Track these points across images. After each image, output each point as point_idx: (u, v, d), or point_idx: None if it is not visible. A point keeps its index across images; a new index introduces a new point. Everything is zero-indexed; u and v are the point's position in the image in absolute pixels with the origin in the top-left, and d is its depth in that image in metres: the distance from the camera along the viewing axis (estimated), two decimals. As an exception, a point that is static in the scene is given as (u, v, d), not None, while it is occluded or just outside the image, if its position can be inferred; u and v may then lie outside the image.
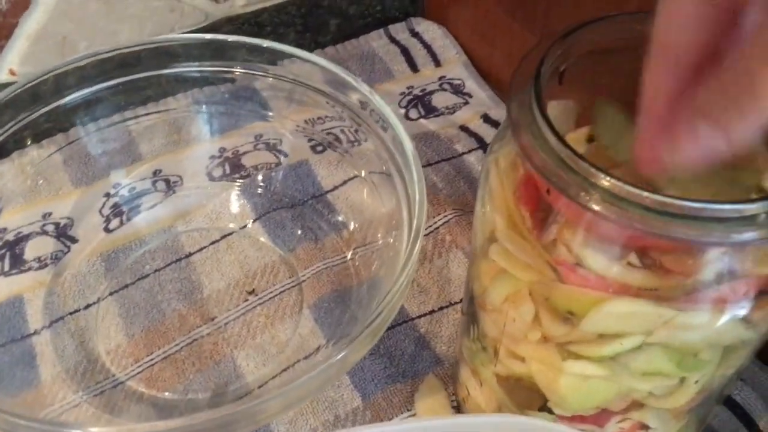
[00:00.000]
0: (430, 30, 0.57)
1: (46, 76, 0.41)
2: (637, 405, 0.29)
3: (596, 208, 0.23)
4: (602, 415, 0.29)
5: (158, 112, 0.47)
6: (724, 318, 0.25)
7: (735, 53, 0.19)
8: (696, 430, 0.32)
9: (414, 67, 0.55)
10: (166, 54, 0.43)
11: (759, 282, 0.24)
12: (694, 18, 0.21)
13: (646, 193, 0.22)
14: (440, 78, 0.54)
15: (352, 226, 0.43)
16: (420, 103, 0.52)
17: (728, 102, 0.19)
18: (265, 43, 0.41)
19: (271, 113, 0.46)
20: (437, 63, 0.55)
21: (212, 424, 0.27)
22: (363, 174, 0.43)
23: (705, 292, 0.24)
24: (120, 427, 0.27)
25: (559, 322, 0.26)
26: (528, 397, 0.31)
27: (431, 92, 0.53)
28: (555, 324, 0.27)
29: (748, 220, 0.22)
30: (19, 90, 0.40)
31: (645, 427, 0.30)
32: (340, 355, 0.29)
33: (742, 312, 0.25)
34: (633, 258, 0.24)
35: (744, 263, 0.24)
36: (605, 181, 0.23)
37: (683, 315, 0.24)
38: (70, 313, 0.40)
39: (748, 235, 0.22)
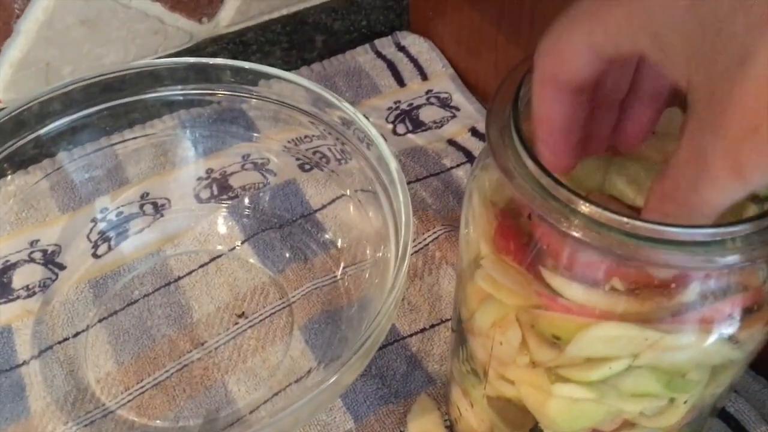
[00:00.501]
0: (416, 43, 0.57)
1: (31, 104, 0.41)
2: (628, 425, 0.29)
3: (577, 234, 0.23)
4: (593, 435, 0.29)
5: (145, 135, 0.47)
6: (711, 338, 0.25)
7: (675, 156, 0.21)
8: (690, 446, 0.32)
9: (401, 82, 0.55)
10: (151, 77, 0.43)
11: (744, 301, 0.24)
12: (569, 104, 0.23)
13: (626, 219, 0.22)
14: (427, 92, 0.54)
15: (340, 245, 0.43)
16: (407, 118, 0.52)
17: (683, 199, 0.21)
18: (247, 65, 0.41)
19: (257, 133, 0.46)
20: (424, 76, 0.55)
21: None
22: (350, 192, 0.43)
23: (690, 313, 0.24)
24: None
25: (546, 347, 0.26)
26: (519, 418, 0.30)
27: (418, 106, 0.53)
28: (542, 349, 0.26)
29: (729, 243, 0.21)
30: (4, 118, 0.40)
31: (637, 446, 0.30)
32: (332, 380, 0.29)
33: (729, 331, 0.25)
34: (616, 282, 0.24)
35: (728, 283, 0.24)
36: (585, 207, 0.22)
37: (669, 337, 0.24)
38: (59, 342, 0.40)
39: (731, 258, 0.22)
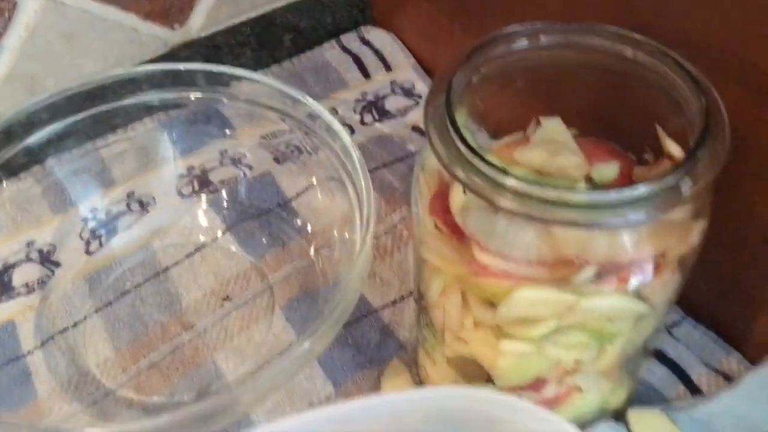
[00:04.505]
0: (379, 37, 0.61)
1: (18, 115, 0.44)
2: (569, 373, 0.33)
3: (504, 204, 0.26)
4: (539, 383, 0.33)
5: (127, 138, 0.50)
6: (620, 297, 0.28)
7: None
8: (629, 386, 0.36)
9: (366, 74, 0.58)
10: (130, 84, 0.46)
11: (647, 260, 0.28)
12: None
13: (546, 189, 0.25)
14: (391, 82, 0.58)
15: (314, 230, 0.47)
16: (374, 108, 0.56)
17: None
18: (217, 68, 0.45)
19: (233, 131, 0.49)
20: (388, 68, 0.59)
21: (195, 417, 0.30)
22: (320, 180, 0.47)
23: (602, 277, 0.28)
24: (112, 428, 0.30)
25: (485, 308, 0.30)
26: (475, 373, 0.34)
27: (384, 97, 0.56)
28: (483, 310, 0.30)
29: (637, 203, 0.25)
30: (-6, 130, 0.43)
31: (579, 389, 0.34)
32: (305, 346, 0.33)
33: (636, 290, 0.28)
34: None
35: (629, 246, 0.27)
36: (510, 181, 0.26)
37: (584, 300, 0.28)
38: (60, 332, 0.43)
39: (638, 215, 0.25)
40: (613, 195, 0.25)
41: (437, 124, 0.28)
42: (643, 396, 0.39)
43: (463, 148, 0.27)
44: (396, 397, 0.27)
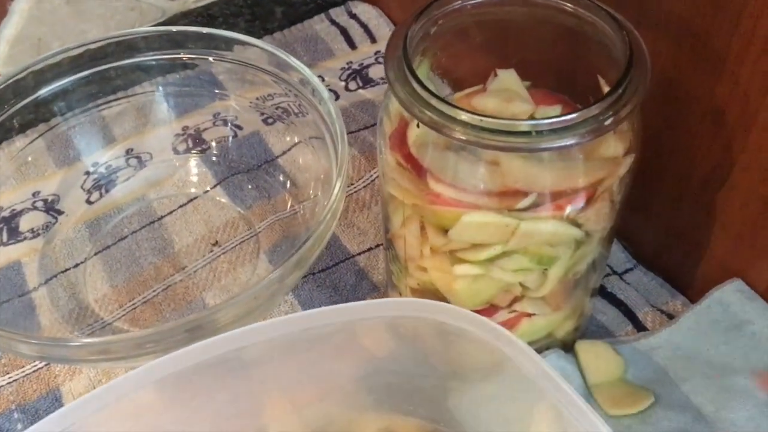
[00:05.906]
0: (365, 11, 0.64)
1: (25, 73, 0.48)
2: (518, 299, 0.36)
3: (456, 135, 0.30)
4: (492, 309, 0.37)
5: (127, 98, 0.53)
6: (557, 223, 0.32)
7: None
8: (576, 320, 0.40)
9: (352, 45, 0.62)
10: (130, 46, 0.50)
11: (582, 191, 0.32)
12: None
13: (493, 120, 0.29)
14: (376, 53, 0.61)
15: (298, 183, 0.51)
16: (358, 76, 0.59)
17: None
18: (216, 32, 0.48)
19: (226, 93, 0.53)
20: (373, 40, 0.62)
21: (179, 330, 0.34)
22: (305, 139, 0.50)
23: (541, 204, 0.31)
24: (103, 338, 0.34)
25: (440, 234, 0.34)
26: (436, 299, 0.38)
27: (368, 66, 0.60)
28: (438, 236, 0.34)
29: (568, 129, 0.29)
30: (1, 87, 0.47)
31: (529, 315, 0.37)
32: (276, 275, 0.36)
33: (572, 216, 0.32)
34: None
35: (566, 177, 0.31)
36: (461, 114, 0.30)
37: (524, 223, 0.31)
38: (62, 272, 0.47)
39: (569, 140, 0.29)
40: (548, 122, 0.29)
41: (396, 68, 0.32)
42: (594, 334, 0.43)
43: (417, 87, 0.31)
44: (353, 305, 0.31)
